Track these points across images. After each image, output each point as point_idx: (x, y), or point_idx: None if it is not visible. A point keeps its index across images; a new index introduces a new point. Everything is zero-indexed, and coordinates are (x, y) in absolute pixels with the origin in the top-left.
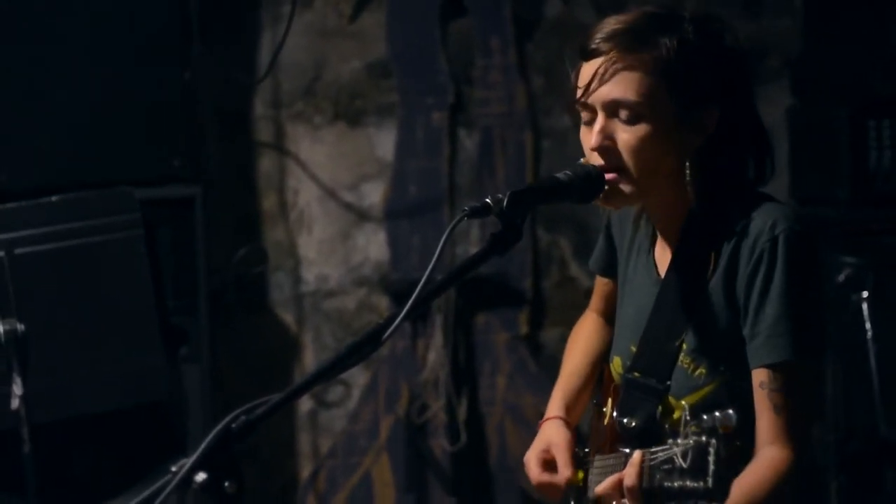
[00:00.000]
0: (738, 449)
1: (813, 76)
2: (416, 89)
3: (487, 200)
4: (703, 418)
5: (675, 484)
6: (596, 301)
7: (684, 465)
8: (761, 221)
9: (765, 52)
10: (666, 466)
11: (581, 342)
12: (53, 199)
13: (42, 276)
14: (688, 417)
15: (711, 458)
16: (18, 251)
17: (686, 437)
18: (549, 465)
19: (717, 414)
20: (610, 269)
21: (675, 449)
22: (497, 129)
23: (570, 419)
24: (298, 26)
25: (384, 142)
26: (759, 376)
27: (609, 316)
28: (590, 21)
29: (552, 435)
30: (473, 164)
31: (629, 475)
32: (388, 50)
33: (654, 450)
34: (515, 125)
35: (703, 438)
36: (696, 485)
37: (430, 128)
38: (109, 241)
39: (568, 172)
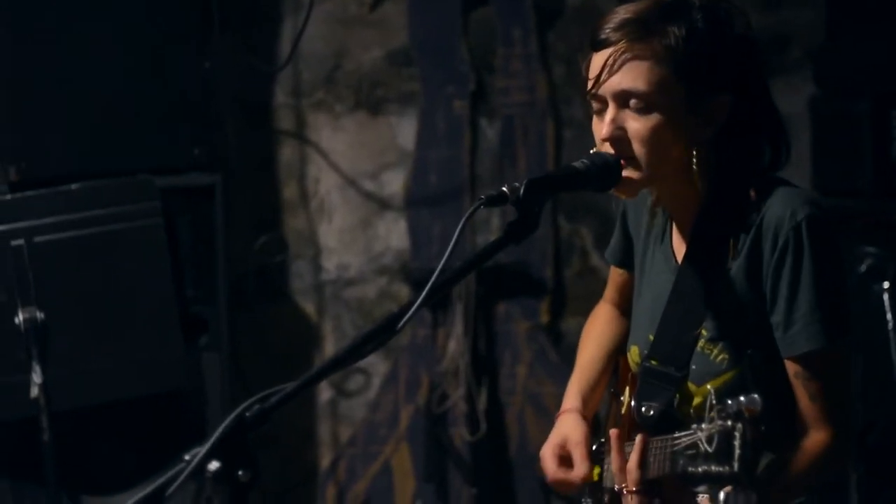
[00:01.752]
0: (763, 433)
1: (835, 67)
2: (437, 78)
3: (504, 189)
4: (727, 403)
5: (700, 469)
6: (610, 292)
7: (709, 450)
8: (780, 208)
9: (787, 43)
10: (690, 451)
11: (596, 333)
12: (73, 187)
13: (62, 265)
14: (713, 401)
15: (737, 443)
16: (38, 239)
17: (711, 421)
18: (564, 460)
19: (741, 398)
20: (626, 260)
21: (700, 434)
22: (518, 118)
23: (587, 411)
24: (319, 15)
25: (405, 130)
26: (794, 366)
27: (624, 307)
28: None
29: (569, 430)
30: (494, 153)
31: (631, 459)
32: (410, 38)
33: (676, 435)
34: (537, 114)
35: (729, 423)
36: (721, 469)
37: (452, 116)
38: (129, 229)
39: (585, 161)
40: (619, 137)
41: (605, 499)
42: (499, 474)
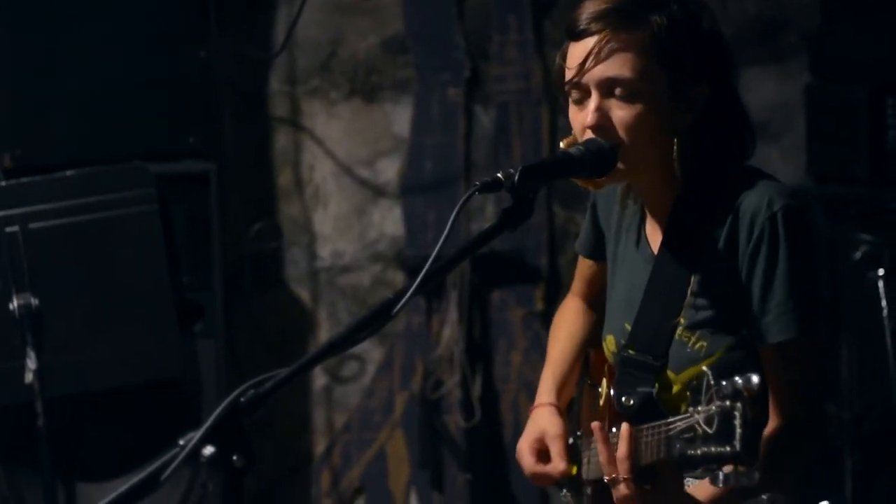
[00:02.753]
0: (761, 412)
1: (832, 53)
2: (432, 65)
3: (499, 175)
4: (723, 383)
5: (699, 451)
6: (578, 285)
7: (709, 431)
8: (757, 198)
9: (783, 29)
10: (686, 435)
11: (566, 326)
12: (68, 173)
13: (56, 251)
14: (711, 382)
15: (738, 422)
16: (33, 226)
17: (709, 402)
18: (542, 454)
19: (737, 378)
20: (596, 252)
21: (697, 416)
22: (513, 105)
23: (561, 404)
24: (314, 2)
25: (400, 118)
26: (768, 355)
27: (592, 300)
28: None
29: (546, 424)
30: (489, 140)
31: (620, 449)
32: (405, 25)
33: (670, 420)
34: (532, 101)
35: (728, 403)
36: (722, 449)
37: (447, 104)
38: (124, 216)
39: (580, 147)
40: (604, 126)
41: (588, 491)
42: (493, 461)
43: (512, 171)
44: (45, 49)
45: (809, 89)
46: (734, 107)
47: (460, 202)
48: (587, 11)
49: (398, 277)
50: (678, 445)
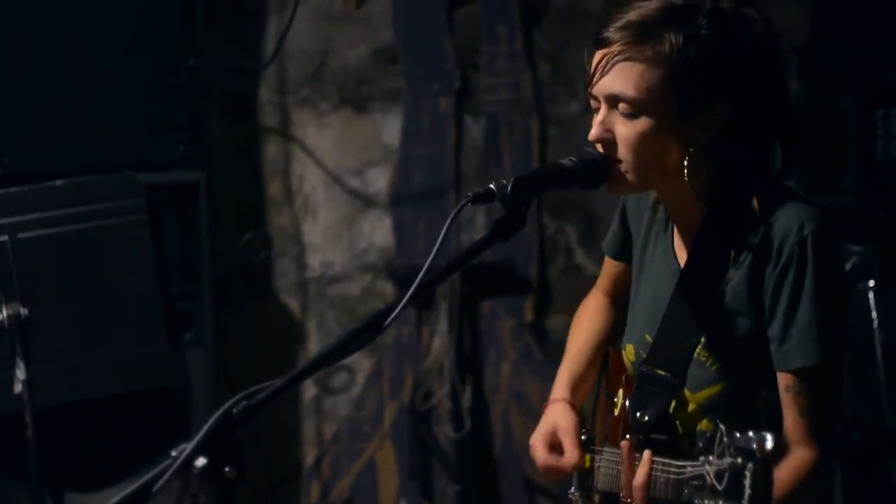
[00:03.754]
0: (772, 473)
1: (820, 64)
2: (422, 75)
3: (491, 186)
4: (736, 437)
5: (707, 502)
6: (603, 281)
7: (718, 487)
8: (787, 221)
9: None
10: (696, 483)
11: (586, 322)
12: (57, 183)
13: (45, 261)
14: (724, 438)
15: (748, 482)
16: (22, 235)
17: (721, 456)
18: (555, 448)
19: (751, 434)
20: (622, 253)
21: (708, 468)
22: (503, 115)
23: (575, 402)
24: (304, 11)
25: (390, 128)
26: (786, 380)
27: (616, 297)
28: (596, 9)
29: (559, 418)
30: (479, 150)
31: (638, 476)
32: (395, 36)
33: (682, 463)
34: (522, 112)
35: (739, 460)
36: None
37: (436, 114)
38: (113, 225)
39: (572, 158)
40: (606, 140)
41: (596, 499)
42: (483, 472)
43: (504, 181)
44: (34, 58)
45: (798, 100)
46: (775, 118)
47: (453, 213)
48: (613, 19)
49: (388, 288)
50: (686, 491)
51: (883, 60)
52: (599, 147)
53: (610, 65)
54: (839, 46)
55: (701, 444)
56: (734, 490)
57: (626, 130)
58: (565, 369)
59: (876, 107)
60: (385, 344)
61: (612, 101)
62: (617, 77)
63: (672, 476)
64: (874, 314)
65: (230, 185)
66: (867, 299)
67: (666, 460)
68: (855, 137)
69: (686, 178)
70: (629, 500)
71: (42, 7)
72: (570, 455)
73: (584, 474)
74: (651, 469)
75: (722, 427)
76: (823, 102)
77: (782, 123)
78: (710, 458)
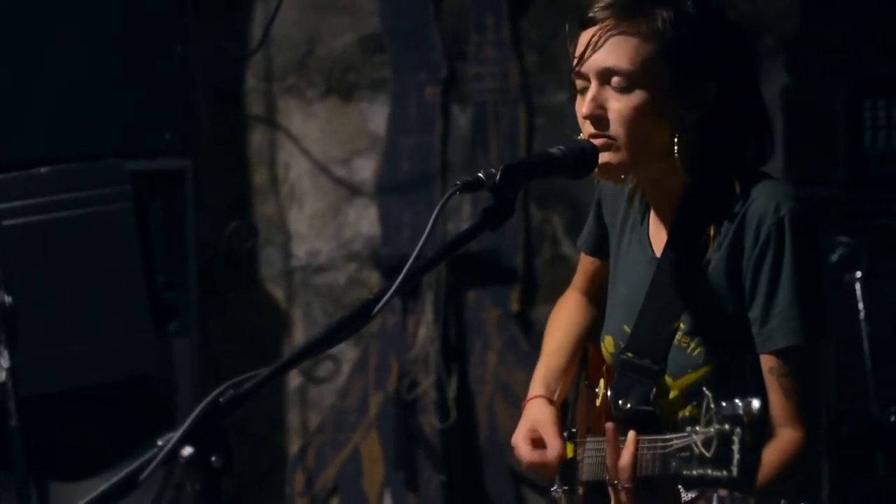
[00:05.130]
0: (761, 438)
1: (809, 55)
2: (409, 64)
3: (480, 175)
4: (723, 405)
5: (695, 472)
6: (580, 280)
7: (706, 454)
8: (764, 202)
9: (761, 31)
10: (683, 454)
11: (563, 321)
12: (42, 170)
13: (30, 249)
14: (711, 405)
15: (736, 448)
16: (6, 223)
17: (708, 424)
18: (537, 443)
19: (738, 401)
20: (599, 249)
21: (695, 437)
22: (490, 105)
23: (552, 396)
24: (291, 0)
25: (377, 117)
26: (769, 361)
27: (592, 295)
28: None
29: (537, 413)
30: (466, 140)
31: (623, 456)
32: (382, 24)
33: (668, 436)
34: (509, 101)
35: (727, 427)
36: (719, 474)
37: (423, 103)
38: (99, 213)
39: (561, 147)
40: (599, 116)
41: (580, 491)
42: (468, 462)
43: (493, 170)
44: (19, 45)
45: (786, 91)
46: (750, 107)
47: (441, 202)
48: (598, 0)
49: (373, 277)
50: (674, 463)
51: (871, 51)
52: (590, 126)
53: (603, 39)
54: (827, 39)
55: (686, 414)
56: (723, 457)
57: (619, 105)
58: (542, 367)
59: (864, 98)
60: (370, 333)
61: (606, 75)
62: (611, 51)
63: (658, 451)
64: (861, 305)
65: (216, 174)
66: (854, 291)
67: (651, 437)
68: (843, 129)
69: (676, 159)
70: (616, 483)
71: None
72: (553, 446)
73: (567, 470)
74: (637, 448)
75: (708, 394)
76: (812, 95)
77: (755, 109)
78: (697, 427)
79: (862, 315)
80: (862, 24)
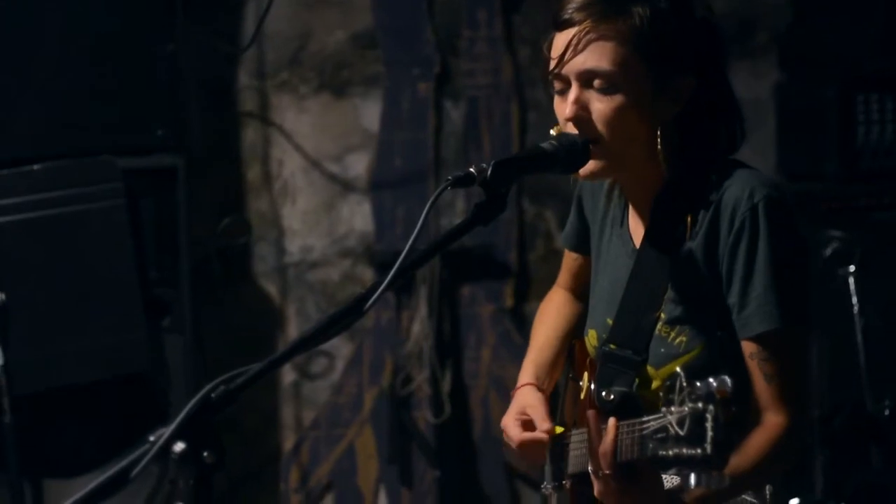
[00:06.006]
0: (734, 415)
1: (801, 51)
2: (401, 60)
3: (471, 170)
4: (696, 385)
5: (671, 452)
6: (564, 277)
7: (680, 433)
8: (738, 189)
9: (753, 27)
10: (659, 435)
11: (550, 316)
12: (35, 167)
13: (23, 246)
14: (683, 384)
15: (709, 425)
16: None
17: (681, 403)
18: (527, 425)
19: (711, 380)
20: (581, 245)
21: (669, 417)
22: (483, 100)
23: (542, 385)
24: None
25: (369, 112)
26: (749, 347)
27: (578, 292)
28: None
29: (526, 398)
30: (459, 135)
31: (604, 443)
32: (374, 20)
33: (644, 419)
34: (501, 97)
35: (700, 405)
36: (693, 452)
37: (416, 99)
38: (91, 210)
39: (553, 142)
40: (582, 118)
41: (568, 484)
42: (462, 457)
43: (484, 165)
44: (10, 42)
45: (779, 87)
46: (723, 98)
47: (432, 197)
48: (572, 1)
49: (367, 273)
50: (651, 445)
51: (863, 47)
52: (573, 128)
53: (583, 42)
54: (820, 34)
55: (661, 395)
56: (696, 435)
57: (602, 106)
58: (531, 359)
59: (857, 93)
60: (364, 329)
61: (587, 77)
62: (591, 53)
63: (636, 434)
64: (854, 300)
65: (209, 170)
66: (847, 285)
67: (630, 421)
68: (836, 124)
69: (659, 153)
70: (598, 471)
71: None
72: (542, 425)
73: (556, 467)
74: (616, 434)
75: (681, 373)
76: (805, 90)
77: (727, 99)
78: (672, 408)
79: (855, 309)
80: (854, 19)
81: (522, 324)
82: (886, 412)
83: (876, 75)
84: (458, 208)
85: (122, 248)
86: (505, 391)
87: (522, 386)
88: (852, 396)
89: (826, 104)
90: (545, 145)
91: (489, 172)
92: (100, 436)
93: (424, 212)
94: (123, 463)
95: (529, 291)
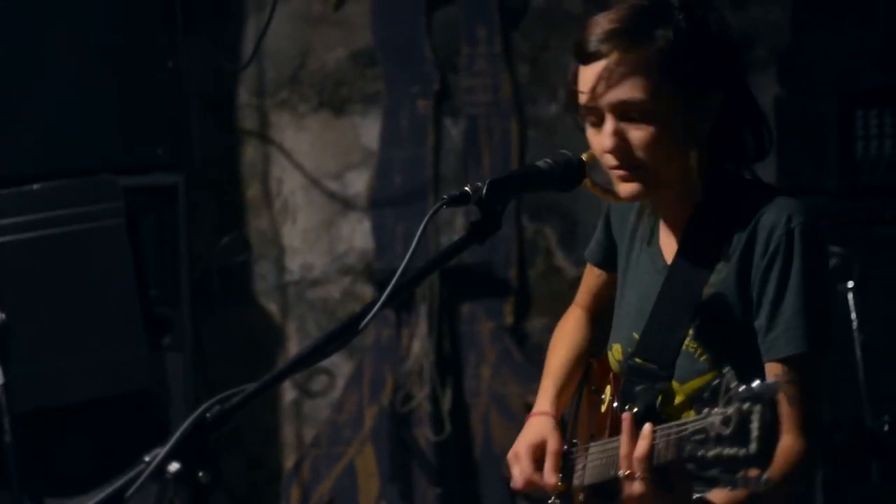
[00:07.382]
0: (779, 417)
1: (801, 66)
2: (401, 78)
3: (467, 188)
4: (741, 387)
5: (710, 453)
6: (583, 296)
7: (724, 433)
8: (776, 214)
9: (753, 41)
10: (698, 437)
11: (568, 337)
12: (35, 187)
13: (24, 265)
14: (731, 384)
15: (755, 424)
16: (0, 239)
17: (727, 404)
18: (538, 463)
19: (758, 382)
20: (605, 262)
21: (712, 418)
22: (482, 117)
23: (558, 416)
24: (283, 14)
25: (369, 130)
26: (774, 369)
27: (595, 312)
28: (576, 11)
29: (546, 434)
30: (458, 152)
31: (639, 446)
32: (374, 38)
33: (682, 421)
34: (501, 114)
35: (746, 405)
36: (736, 451)
37: (416, 116)
38: (92, 229)
39: (548, 160)
40: (622, 148)
41: (581, 497)
42: (463, 475)
43: (480, 184)
44: (11, 60)
45: (778, 102)
46: (749, 106)
47: (428, 215)
48: (594, 33)
49: (367, 290)
50: (688, 447)
51: (863, 61)
52: (611, 158)
53: (615, 76)
54: (819, 49)
55: (705, 396)
56: (741, 434)
57: (640, 134)
58: (549, 383)
59: (856, 108)
60: (365, 347)
61: (622, 109)
62: (623, 86)
63: (672, 437)
64: (854, 315)
65: (209, 188)
66: (847, 300)
67: (665, 425)
68: (835, 139)
69: (694, 170)
70: (630, 473)
71: (20, 11)
72: (550, 478)
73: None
74: (653, 440)
75: (729, 374)
76: (804, 105)
77: (751, 108)
78: (715, 409)
79: (855, 325)
80: (853, 34)
81: (522, 341)
82: (886, 428)
83: (875, 90)
84: (457, 225)
85: (123, 267)
86: (505, 408)
87: (542, 415)
88: (852, 412)
89: (825, 119)
90: (540, 163)
91: (484, 191)
92: (101, 454)
93: (419, 231)
94: (118, 483)
95: (529, 309)
